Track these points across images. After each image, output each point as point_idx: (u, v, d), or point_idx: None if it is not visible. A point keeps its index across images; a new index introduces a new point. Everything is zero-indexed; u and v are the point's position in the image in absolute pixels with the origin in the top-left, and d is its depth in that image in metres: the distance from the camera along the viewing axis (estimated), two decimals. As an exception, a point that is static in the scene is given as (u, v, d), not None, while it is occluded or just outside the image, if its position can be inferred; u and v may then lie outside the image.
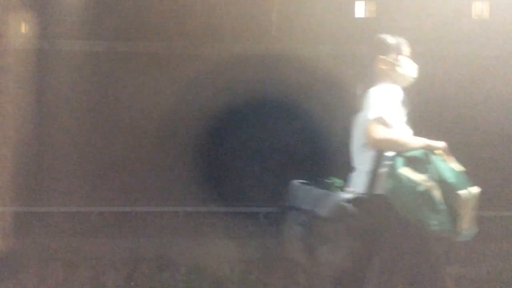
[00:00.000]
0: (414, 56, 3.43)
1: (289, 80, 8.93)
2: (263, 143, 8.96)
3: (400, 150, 3.02)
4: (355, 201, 3.04)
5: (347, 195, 3.07)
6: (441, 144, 3.09)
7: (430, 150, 3.03)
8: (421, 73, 3.48)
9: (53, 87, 8.57)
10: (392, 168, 2.98)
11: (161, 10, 9.01)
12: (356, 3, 11.36)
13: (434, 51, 9.81)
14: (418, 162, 2.95)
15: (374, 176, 3.08)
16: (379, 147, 3.09)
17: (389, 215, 2.99)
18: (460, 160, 3.12)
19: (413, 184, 2.88)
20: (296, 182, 3.36)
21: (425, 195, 2.85)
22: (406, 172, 2.92)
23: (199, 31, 9.16)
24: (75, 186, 8.37)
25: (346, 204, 3.01)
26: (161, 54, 9.02)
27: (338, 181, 3.27)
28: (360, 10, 11.77)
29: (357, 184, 3.18)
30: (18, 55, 8.16)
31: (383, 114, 3.08)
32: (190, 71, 9.00)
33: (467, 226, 2.94)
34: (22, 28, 8.43)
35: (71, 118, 8.61)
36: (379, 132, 3.04)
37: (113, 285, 5.55)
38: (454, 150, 3.15)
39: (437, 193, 2.87)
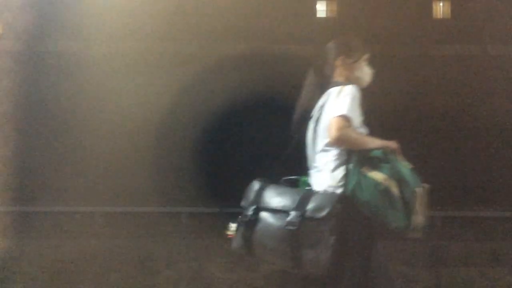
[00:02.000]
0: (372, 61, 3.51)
1: (247, 81, 8.84)
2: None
3: (359, 148, 3.10)
4: (341, 199, 3.05)
5: (335, 194, 3.07)
6: (395, 144, 3.16)
7: (387, 150, 3.12)
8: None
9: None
10: (354, 167, 3.06)
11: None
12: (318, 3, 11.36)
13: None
14: (378, 161, 3.04)
15: (340, 175, 3.12)
16: (339, 144, 3.12)
17: (352, 214, 3.05)
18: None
19: (374, 183, 2.98)
20: (259, 181, 3.34)
21: (385, 193, 2.96)
22: (367, 171, 3.02)
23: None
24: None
25: (338, 204, 3.02)
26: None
27: (306, 180, 3.30)
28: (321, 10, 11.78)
29: (321, 183, 3.19)
30: None
31: (348, 112, 3.11)
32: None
33: (421, 222, 3.03)
34: None
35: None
36: (342, 129, 3.07)
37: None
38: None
39: (395, 191, 2.97)
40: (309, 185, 3.29)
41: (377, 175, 2.98)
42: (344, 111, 3.10)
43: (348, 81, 3.33)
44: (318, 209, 3.00)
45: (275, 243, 3.09)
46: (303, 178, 3.35)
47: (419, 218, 3.00)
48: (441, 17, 11.78)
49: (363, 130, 3.26)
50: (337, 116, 3.09)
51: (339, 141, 3.09)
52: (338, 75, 3.37)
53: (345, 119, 3.08)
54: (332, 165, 3.16)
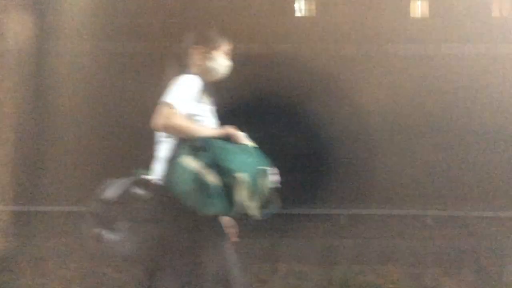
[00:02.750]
0: (233, 55, 3.48)
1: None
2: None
3: (184, 136, 3.12)
4: (145, 186, 3.11)
5: (136, 180, 3.13)
6: (227, 130, 3.19)
7: (226, 136, 3.15)
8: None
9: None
10: (174, 155, 3.10)
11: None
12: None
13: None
14: (198, 150, 3.07)
15: (164, 163, 3.17)
16: (163, 131, 3.17)
17: (168, 202, 3.09)
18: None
19: (187, 171, 3.02)
20: (110, 179, 3.33)
21: (197, 181, 2.99)
22: (184, 160, 3.05)
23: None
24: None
25: (133, 188, 3.09)
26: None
27: (143, 171, 3.30)
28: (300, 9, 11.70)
29: (156, 171, 3.24)
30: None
31: (174, 101, 3.14)
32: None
33: (253, 205, 3.03)
34: None
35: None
36: (164, 117, 3.10)
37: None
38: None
39: (210, 178, 3.00)
40: (142, 175, 3.26)
41: (192, 164, 3.01)
42: (169, 99, 3.12)
43: (200, 70, 3.35)
44: (110, 193, 3.07)
45: (86, 229, 3.13)
46: (140, 170, 3.30)
47: (247, 202, 3.01)
48: (419, 16, 11.62)
49: (205, 120, 3.27)
50: (162, 104, 3.11)
51: (161, 128, 3.12)
52: (192, 64, 3.38)
53: (169, 106, 3.09)
54: (162, 154, 3.20)
